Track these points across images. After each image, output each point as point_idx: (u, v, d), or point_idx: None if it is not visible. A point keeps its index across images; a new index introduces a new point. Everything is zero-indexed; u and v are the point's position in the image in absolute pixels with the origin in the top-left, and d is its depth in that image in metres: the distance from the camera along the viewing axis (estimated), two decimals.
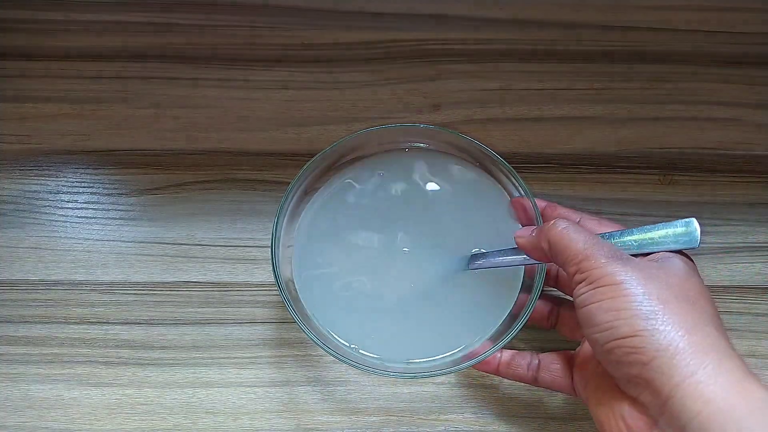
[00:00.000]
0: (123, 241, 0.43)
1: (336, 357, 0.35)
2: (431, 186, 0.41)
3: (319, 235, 0.40)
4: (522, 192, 0.38)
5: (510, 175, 0.39)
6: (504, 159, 0.38)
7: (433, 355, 0.37)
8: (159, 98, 0.47)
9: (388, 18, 0.49)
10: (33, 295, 0.42)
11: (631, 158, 0.46)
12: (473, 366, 0.35)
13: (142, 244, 0.43)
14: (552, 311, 0.38)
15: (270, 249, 0.37)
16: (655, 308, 0.27)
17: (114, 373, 0.40)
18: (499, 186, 0.40)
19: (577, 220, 0.36)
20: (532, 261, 0.35)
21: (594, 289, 0.29)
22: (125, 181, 0.45)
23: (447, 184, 0.41)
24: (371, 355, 0.37)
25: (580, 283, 0.29)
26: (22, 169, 0.45)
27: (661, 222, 0.32)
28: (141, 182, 0.45)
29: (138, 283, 0.42)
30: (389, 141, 0.41)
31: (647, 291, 0.28)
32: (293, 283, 0.38)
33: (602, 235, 0.33)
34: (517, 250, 0.35)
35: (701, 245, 0.43)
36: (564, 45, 0.48)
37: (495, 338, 0.36)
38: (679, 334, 0.26)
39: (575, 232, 0.31)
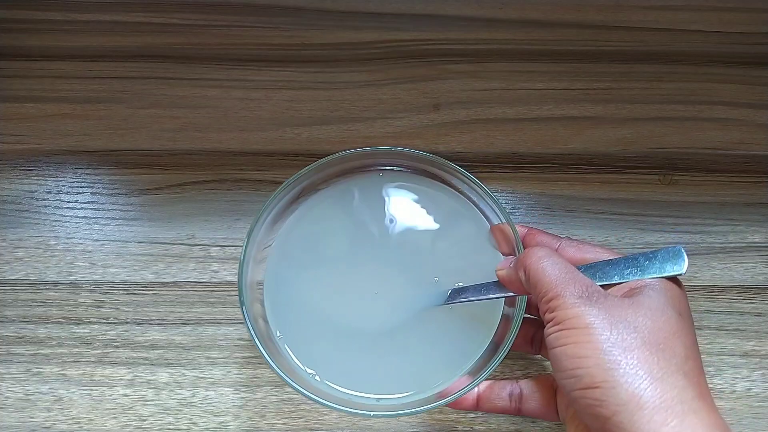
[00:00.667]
0: (123, 241, 0.43)
1: (299, 392, 0.32)
2: (409, 214, 0.38)
3: (291, 263, 0.38)
4: (501, 218, 0.36)
5: (489, 200, 0.37)
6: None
7: (406, 392, 0.35)
8: (159, 98, 0.47)
9: (388, 18, 0.49)
10: (33, 295, 0.42)
11: (631, 158, 0.46)
12: (449, 405, 0.33)
13: (142, 244, 0.43)
14: (536, 335, 0.36)
15: (238, 276, 0.34)
16: (618, 357, 0.26)
17: (114, 373, 0.40)
18: (480, 213, 0.38)
19: (557, 246, 0.34)
20: (513, 294, 0.33)
21: (560, 331, 0.27)
22: (125, 181, 0.45)
23: (426, 212, 0.39)
24: (340, 388, 0.35)
25: (549, 322, 0.28)
26: (22, 169, 0.45)
27: (649, 251, 0.31)
28: (141, 182, 0.45)
29: (138, 283, 0.42)
30: (362, 165, 0.39)
31: (612, 338, 0.26)
32: (262, 306, 0.37)
33: (581, 269, 0.31)
34: (498, 283, 0.34)
35: (701, 245, 0.43)
36: (564, 45, 0.48)
37: (473, 373, 0.34)
38: (643, 386, 0.25)
39: (551, 265, 0.29)
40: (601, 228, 0.44)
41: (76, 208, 0.44)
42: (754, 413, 0.40)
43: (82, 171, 0.45)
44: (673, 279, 0.30)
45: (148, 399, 0.40)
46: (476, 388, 0.34)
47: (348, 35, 0.49)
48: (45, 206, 0.44)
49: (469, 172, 0.37)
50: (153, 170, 0.45)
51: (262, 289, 0.37)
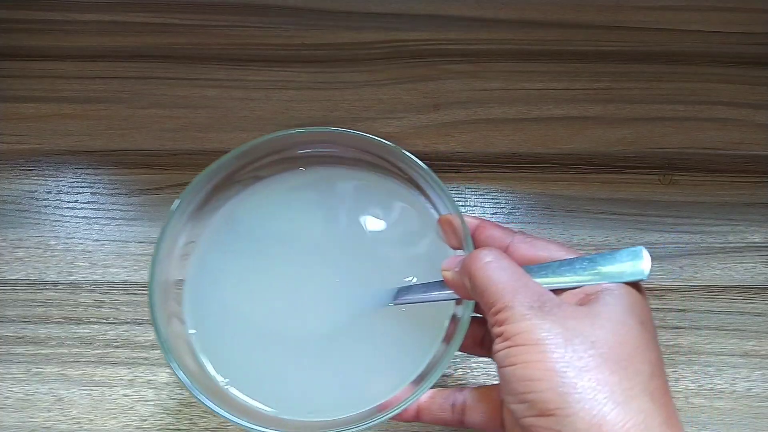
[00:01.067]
0: (123, 241, 0.43)
1: (203, 403, 0.29)
2: (349, 207, 0.34)
3: (217, 260, 0.33)
4: (449, 208, 0.31)
5: (437, 188, 0.31)
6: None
7: (342, 406, 0.31)
8: (159, 98, 0.47)
9: (388, 18, 0.49)
10: (33, 295, 0.42)
11: (631, 158, 0.46)
12: (392, 418, 0.29)
13: (142, 244, 0.43)
14: (486, 336, 0.32)
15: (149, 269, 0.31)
16: (574, 380, 0.22)
17: (114, 373, 0.40)
18: (429, 204, 0.34)
19: (507, 242, 0.30)
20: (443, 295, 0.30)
21: (509, 348, 0.24)
22: (125, 181, 0.45)
23: (369, 204, 0.34)
24: (266, 408, 0.31)
25: (498, 336, 0.25)
26: (22, 169, 0.45)
27: (607, 251, 0.27)
28: (141, 182, 0.45)
29: (138, 283, 0.42)
30: (296, 153, 0.34)
31: (567, 356, 0.23)
32: (180, 308, 0.32)
33: (533, 270, 0.28)
34: (444, 283, 0.30)
35: (701, 245, 0.43)
36: (564, 45, 0.48)
37: (419, 381, 0.30)
38: (604, 411, 0.22)
39: (499, 270, 0.26)
40: (601, 228, 0.44)
41: (76, 208, 0.44)
42: (753, 413, 0.40)
43: (82, 171, 0.45)
44: (634, 284, 0.26)
45: (149, 399, 0.40)
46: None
47: (348, 35, 0.49)
48: (45, 206, 0.44)
49: (421, 161, 0.32)
50: (153, 170, 0.45)
51: (182, 288, 0.33)
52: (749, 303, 0.42)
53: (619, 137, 0.46)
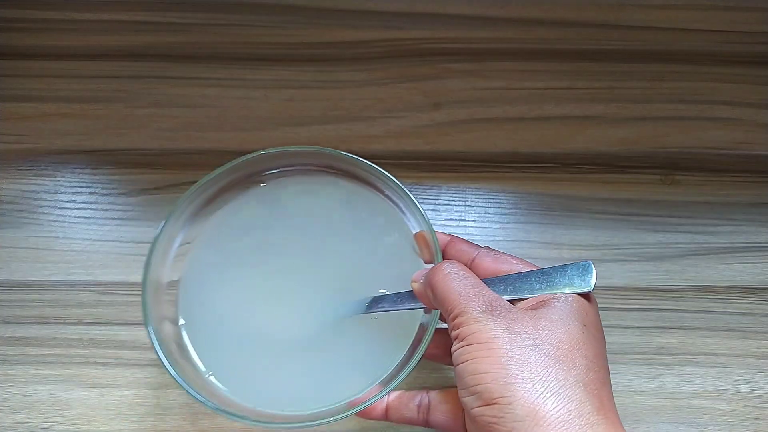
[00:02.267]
0: (122, 242, 0.43)
1: (190, 393, 0.32)
2: (331, 220, 0.38)
3: (208, 266, 0.37)
4: (423, 224, 0.35)
5: (411, 205, 0.35)
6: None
7: (316, 403, 0.33)
8: (158, 98, 0.47)
9: (388, 17, 0.49)
10: (31, 295, 0.42)
11: (632, 158, 0.45)
12: (358, 414, 0.31)
13: (141, 244, 0.43)
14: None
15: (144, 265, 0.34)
16: (516, 371, 0.25)
17: (113, 374, 0.40)
18: (404, 219, 0.37)
19: (474, 255, 0.33)
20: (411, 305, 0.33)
21: (462, 347, 0.27)
22: (124, 181, 0.45)
23: (349, 218, 0.38)
24: (236, 397, 0.34)
25: (455, 339, 0.27)
26: (21, 169, 0.45)
27: (560, 264, 0.30)
28: (140, 182, 0.45)
29: (137, 284, 0.41)
30: (283, 165, 0.38)
31: (511, 351, 0.26)
32: (176, 307, 0.36)
33: (494, 282, 0.31)
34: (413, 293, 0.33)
35: (703, 245, 0.43)
36: (565, 44, 0.48)
37: (385, 383, 0.33)
38: (539, 400, 0.24)
39: (457, 280, 0.29)
40: (602, 228, 0.44)
41: (75, 208, 0.44)
42: (755, 414, 0.39)
43: (81, 171, 0.45)
44: (584, 294, 0.29)
45: (147, 400, 0.39)
46: (386, 396, 0.33)
47: (348, 34, 0.48)
48: (43, 206, 0.44)
49: (393, 176, 0.35)
50: (152, 170, 0.45)
51: (176, 289, 0.36)
52: (751, 304, 0.42)
53: (621, 137, 0.46)
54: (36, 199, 0.44)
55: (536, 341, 0.26)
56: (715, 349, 0.41)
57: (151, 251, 0.34)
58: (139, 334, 0.41)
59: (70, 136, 0.46)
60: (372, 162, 0.37)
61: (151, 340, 0.32)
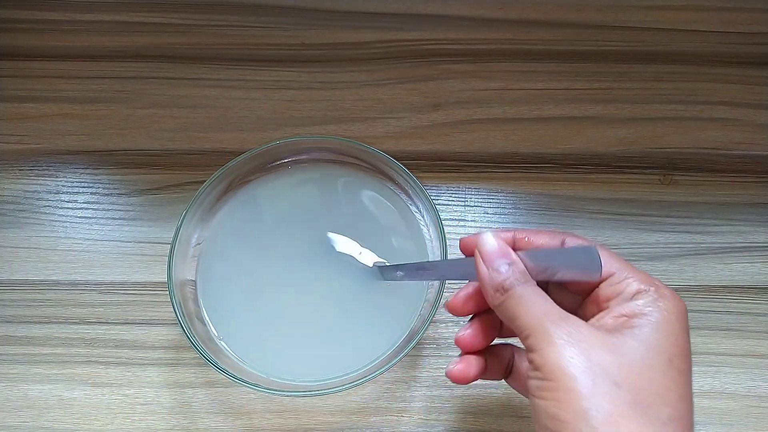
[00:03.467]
0: (123, 241, 0.43)
1: (211, 362, 0.34)
2: (338, 206, 0.41)
3: (224, 258, 0.39)
4: (435, 218, 0.37)
5: (424, 199, 0.38)
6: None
7: (325, 374, 0.36)
8: (159, 98, 0.47)
9: (388, 18, 0.49)
10: (33, 295, 0.42)
11: (631, 158, 0.46)
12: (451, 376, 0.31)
13: (142, 244, 0.43)
14: (510, 363, 0.33)
15: (170, 249, 0.36)
16: (596, 424, 0.24)
17: (114, 373, 0.40)
18: (408, 202, 0.40)
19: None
20: (453, 277, 0.34)
21: (540, 381, 0.26)
22: (125, 181, 0.45)
23: (357, 205, 0.41)
24: (254, 369, 0.36)
25: (531, 362, 0.26)
26: (22, 169, 0.45)
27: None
28: (141, 182, 0.45)
29: (138, 283, 0.42)
30: (293, 157, 0.41)
31: (594, 401, 0.24)
32: (195, 282, 0.39)
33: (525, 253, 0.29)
34: (426, 265, 0.34)
35: (701, 245, 0.43)
36: (564, 45, 0.48)
37: (396, 353, 0.35)
38: None
39: (530, 295, 0.27)
40: (601, 228, 0.44)
41: (76, 208, 0.44)
42: (754, 413, 0.40)
43: (82, 171, 0.45)
44: (673, 306, 0.27)
45: (148, 399, 0.39)
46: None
47: (348, 35, 0.49)
48: (45, 206, 0.44)
49: (412, 172, 0.38)
50: (153, 170, 0.45)
51: (195, 288, 0.39)
52: (750, 303, 0.42)
53: (620, 137, 0.46)
54: (38, 199, 0.44)
55: (618, 385, 0.24)
56: (714, 349, 0.41)
57: (182, 218, 0.37)
58: (140, 333, 0.41)
59: (72, 136, 0.46)
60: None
61: (172, 300, 0.35)
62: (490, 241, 0.29)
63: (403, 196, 0.40)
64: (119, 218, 0.44)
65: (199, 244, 0.39)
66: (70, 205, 0.44)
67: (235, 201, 0.40)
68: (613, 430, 0.24)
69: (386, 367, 0.33)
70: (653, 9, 0.49)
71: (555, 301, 0.30)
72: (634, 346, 0.25)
